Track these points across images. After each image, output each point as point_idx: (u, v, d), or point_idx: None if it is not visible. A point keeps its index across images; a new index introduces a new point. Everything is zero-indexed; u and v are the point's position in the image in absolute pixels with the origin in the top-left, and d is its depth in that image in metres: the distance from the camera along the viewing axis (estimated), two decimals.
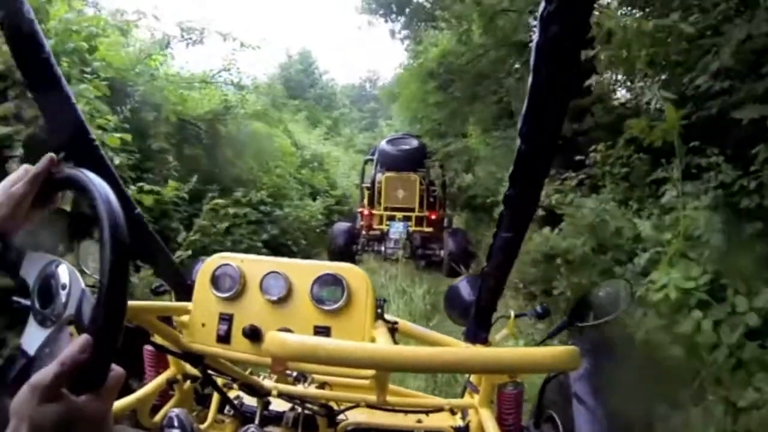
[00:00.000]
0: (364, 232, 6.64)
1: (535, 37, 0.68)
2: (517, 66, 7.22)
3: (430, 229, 6.39)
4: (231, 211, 4.95)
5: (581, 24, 0.68)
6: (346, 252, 6.10)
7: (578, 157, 5.11)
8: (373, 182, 7.01)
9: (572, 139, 6.07)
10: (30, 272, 0.63)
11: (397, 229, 6.12)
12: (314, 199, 9.51)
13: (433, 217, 6.47)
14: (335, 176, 12.99)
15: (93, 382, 0.50)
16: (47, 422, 0.48)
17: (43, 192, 0.61)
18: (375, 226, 6.55)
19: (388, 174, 6.62)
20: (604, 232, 3.81)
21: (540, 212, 4.84)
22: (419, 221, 6.43)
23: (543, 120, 0.74)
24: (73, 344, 0.49)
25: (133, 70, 4.72)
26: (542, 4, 0.63)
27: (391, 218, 6.36)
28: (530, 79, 0.70)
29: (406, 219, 6.33)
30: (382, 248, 6.16)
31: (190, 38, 6.03)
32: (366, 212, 6.71)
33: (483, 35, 7.39)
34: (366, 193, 7.10)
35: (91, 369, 0.49)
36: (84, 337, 0.50)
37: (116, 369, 0.52)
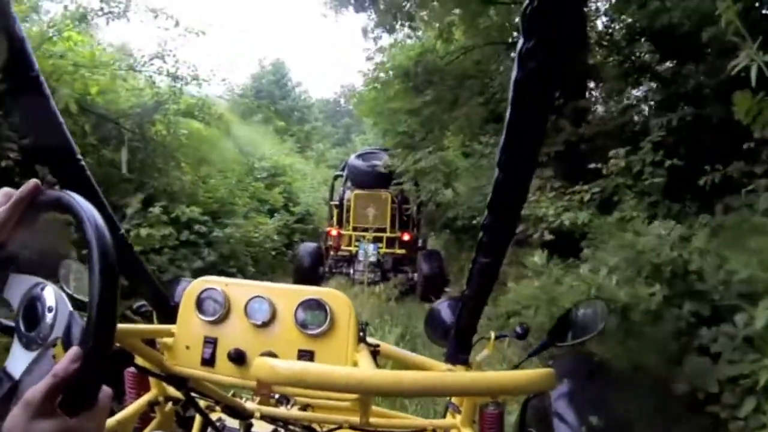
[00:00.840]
0: (332, 253, 6.86)
1: (513, 72, 0.78)
2: (506, 64, 7.34)
3: (402, 251, 6.60)
4: (144, 232, 4.58)
5: (559, 60, 0.80)
6: (312, 275, 6.23)
7: (588, 166, 5.00)
8: (341, 200, 7.19)
9: (575, 146, 5.93)
10: (14, 294, 0.69)
11: (366, 251, 6.26)
12: (272, 217, 9.45)
13: (406, 237, 6.65)
14: (299, 191, 12.71)
15: (85, 401, 0.55)
16: None
17: (28, 214, 0.67)
18: (343, 247, 6.76)
19: (358, 191, 6.81)
20: (676, 268, 2.92)
21: (537, 234, 4.73)
22: (391, 242, 6.63)
23: (521, 150, 0.87)
24: (64, 357, 0.54)
25: (38, 50, 4.37)
26: (520, 41, 0.74)
27: (361, 239, 6.50)
28: (508, 112, 0.82)
29: (377, 240, 6.50)
30: (351, 271, 6.33)
31: (111, 12, 5.57)
32: (334, 232, 6.89)
33: (466, 32, 7.51)
34: (335, 211, 7.24)
35: (83, 387, 0.54)
36: (74, 349, 0.54)
37: (105, 389, 0.57)
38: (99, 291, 0.54)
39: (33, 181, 0.67)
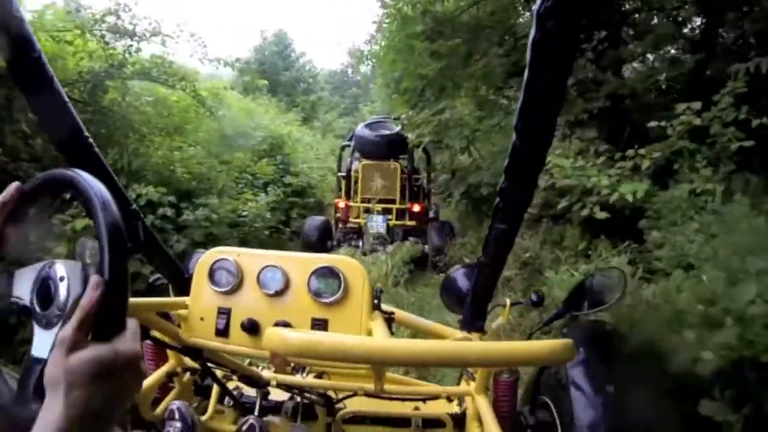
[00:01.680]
0: (340, 226, 7.42)
1: (531, 32, 0.84)
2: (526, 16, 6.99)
3: (412, 223, 7.07)
4: (80, 224, 4.15)
5: (577, 19, 0.86)
6: (319, 249, 6.69)
7: (644, 126, 4.48)
8: (348, 171, 7.66)
9: (620, 101, 5.54)
10: (24, 287, 0.76)
11: (375, 223, 6.92)
12: (267, 192, 8.76)
13: (417, 209, 7.13)
14: (300, 162, 12.38)
15: (115, 326, 0.61)
16: (84, 371, 0.57)
17: (17, 216, 0.74)
18: (352, 220, 7.28)
19: (366, 162, 7.33)
20: None
21: (585, 210, 4.38)
22: (400, 214, 7.12)
23: (539, 115, 0.94)
24: (87, 288, 0.60)
25: None
26: (538, 0, 0.79)
27: (369, 210, 7.10)
28: (525, 75, 0.89)
29: (386, 212, 7.07)
30: (360, 243, 6.91)
31: None
32: (342, 204, 7.42)
33: None
34: (342, 182, 7.71)
35: (110, 312, 0.61)
36: (94, 277, 0.60)
37: (130, 319, 0.65)
38: (107, 233, 0.62)
39: (14, 184, 0.73)
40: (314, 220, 7.62)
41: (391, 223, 7.07)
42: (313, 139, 17.73)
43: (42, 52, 0.97)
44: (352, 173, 7.62)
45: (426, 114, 7.21)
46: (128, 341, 0.63)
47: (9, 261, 0.79)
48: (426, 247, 6.70)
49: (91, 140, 1.13)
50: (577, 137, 5.27)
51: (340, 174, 8.08)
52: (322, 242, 7.14)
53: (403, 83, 8.88)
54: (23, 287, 0.77)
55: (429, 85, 8.00)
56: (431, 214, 7.50)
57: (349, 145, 8.46)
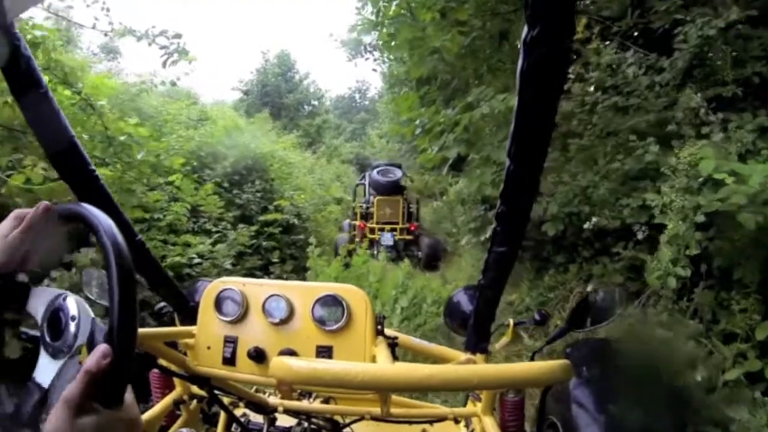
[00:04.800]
0: (357, 240, 10.10)
1: (519, 61, 0.87)
2: None
3: (410, 237, 10.31)
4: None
5: (565, 46, 0.88)
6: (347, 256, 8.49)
7: None
8: (367, 203, 10.96)
9: None
10: (37, 307, 0.78)
11: (386, 238, 10.11)
12: (251, 223, 7.70)
13: (412, 228, 10.38)
14: (288, 189, 10.18)
15: (119, 394, 0.62)
16: None
17: (43, 234, 0.76)
18: (368, 235, 10.28)
19: (379, 197, 10.66)
20: None
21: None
22: (402, 231, 10.35)
23: (530, 140, 0.96)
24: (93, 354, 0.60)
25: None
26: (524, 29, 0.81)
27: (382, 229, 10.24)
28: (516, 102, 0.91)
29: (393, 230, 10.26)
30: (374, 252, 9.39)
31: None
32: (362, 225, 10.50)
33: None
34: (359, 211, 10.96)
35: (115, 381, 0.61)
36: (102, 345, 0.61)
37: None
38: (118, 299, 0.62)
39: (43, 204, 0.75)
40: (342, 237, 10.30)
41: (397, 237, 10.18)
42: (316, 162, 17.07)
43: (41, 70, 1.01)
44: (369, 205, 10.83)
45: (447, 116, 5.23)
46: (129, 409, 0.64)
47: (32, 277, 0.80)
48: (419, 253, 9.83)
49: (97, 173, 1.17)
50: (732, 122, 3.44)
51: (359, 204, 11.14)
52: (348, 252, 8.68)
53: (415, 68, 6.41)
54: (36, 306, 0.79)
55: (449, 71, 6.20)
56: (420, 231, 10.64)
57: (362, 184, 11.94)
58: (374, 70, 14.24)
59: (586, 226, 4.46)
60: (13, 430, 0.68)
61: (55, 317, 0.75)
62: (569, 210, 4.82)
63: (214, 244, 6.27)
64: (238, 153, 8.82)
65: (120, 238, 0.66)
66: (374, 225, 10.62)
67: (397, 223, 10.58)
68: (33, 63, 0.99)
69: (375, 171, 11.62)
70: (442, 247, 10.22)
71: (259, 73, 27.81)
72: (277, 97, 26.34)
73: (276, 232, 7.85)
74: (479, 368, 1.10)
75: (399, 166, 11.94)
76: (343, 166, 22.17)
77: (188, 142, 7.57)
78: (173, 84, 6.27)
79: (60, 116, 1.05)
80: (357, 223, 10.87)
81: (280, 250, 8.19)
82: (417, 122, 5.88)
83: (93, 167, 1.15)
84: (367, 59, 13.30)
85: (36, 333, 0.78)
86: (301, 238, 8.85)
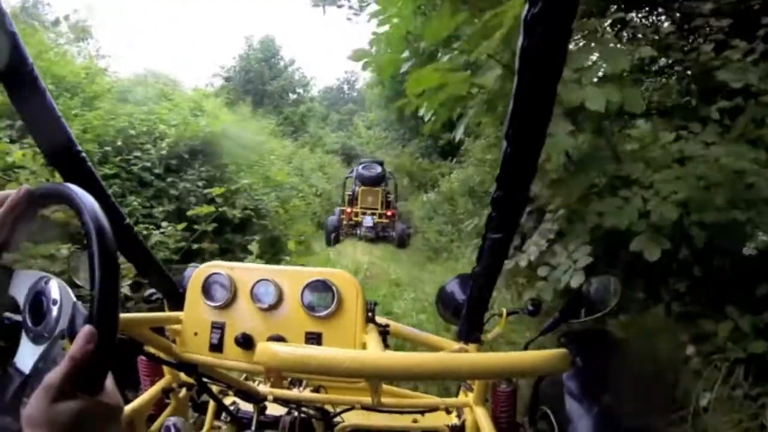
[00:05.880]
0: (344, 222, 12.51)
1: (519, 39, 0.84)
2: None
3: (387, 221, 12.43)
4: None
5: (567, 25, 0.85)
6: (335, 233, 11.94)
7: None
8: (353, 192, 13.24)
9: None
10: (20, 290, 0.76)
11: (368, 221, 12.22)
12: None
13: (389, 213, 12.56)
14: (245, 175, 7.90)
15: (101, 380, 0.60)
16: (65, 420, 0.56)
17: (25, 216, 0.75)
18: (353, 219, 12.55)
19: (363, 188, 12.94)
20: None
21: None
22: (381, 216, 12.48)
23: (529, 122, 0.94)
24: (78, 339, 0.59)
25: None
26: (525, 7, 0.79)
27: (364, 213, 12.38)
28: (515, 82, 0.89)
29: (373, 214, 12.40)
30: (357, 231, 12.24)
31: None
32: (348, 210, 12.73)
33: None
34: (346, 198, 13.40)
35: (98, 367, 0.60)
36: (87, 328, 0.59)
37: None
38: (99, 279, 0.60)
39: (24, 188, 0.75)
40: (332, 219, 12.28)
41: (376, 220, 12.32)
42: (296, 151, 16.79)
43: (34, 66, 0.97)
44: (355, 193, 13.10)
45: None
46: (109, 395, 0.62)
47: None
48: (393, 233, 12.04)
49: (83, 154, 1.12)
50: None
51: (347, 193, 13.47)
52: (336, 230, 12.04)
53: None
54: (19, 289, 0.77)
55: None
56: (396, 216, 12.76)
57: (350, 177, 13.99)
58: (348, 19, 13.59)
59: (747, 248, 2.56)
60: None
61: (37, 301, 0.74)
62: (700, 216, 2.75)
63: None
64: (181, 132, 6.88)
65: (103, 218, 0.64)
66: (358, 210, 12.87)
67: (377, 209, 12.78)
68: (18, 39, 0.95)
69: (360, 166, 13.92)
70: (407, 233, 12.41)
71: (242, 59, 27.21)
72: (260, 84, 25.79)
73: (209, 229, 5.67)
74: (474, 356, 1.07)
75: (381, 163, 14.09)
76: (328, 156, 21.97)
77: (117, 119, 6.22)
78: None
79: (46, 95, 1.02)
80: (345, 208, 13.21)
81: (230, 252, 6.34)
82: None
83: (79, 148, 1.11)
84: (340, 6, 13.47)
85: (18, 318, 0.77)
86: (254, 239, 6.53)
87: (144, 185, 5.91)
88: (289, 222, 9.44)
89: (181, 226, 5.31)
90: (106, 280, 0.61)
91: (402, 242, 11.98)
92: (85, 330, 0.59)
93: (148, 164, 6.11)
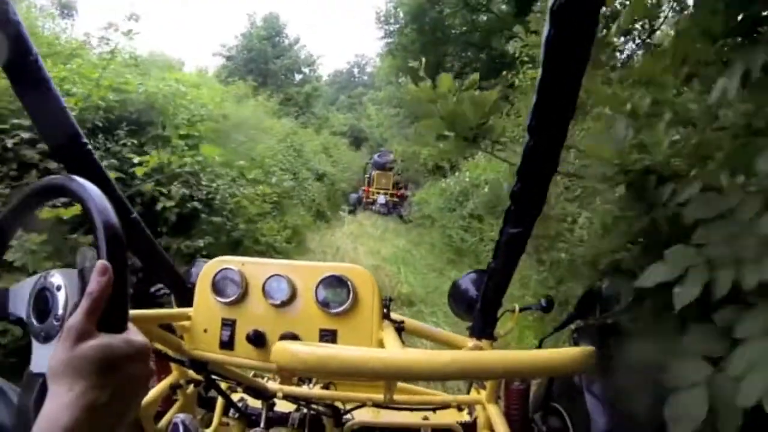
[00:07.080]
0: (364, 199, 15.69)
1: (545, 29, 0.83)
2: None
3: (397, 199, 15.27)
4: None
5: (594, 16, 0.84)
6: (356, 206, 15.48)
7: None
8: (371, 175, 16.28)
9: None
10: (20, 301, 0.74)
11: (381, 199, 15.14)
12: None
13: (399, 193, 15.41)
14: (197, 152, 5.73)
15: (123, 316, 0.59)
16: (93, 360, 0.53)
17: (26, 210, 0.73)
18: (370, 197, 15.58)
19: (378, 172, 15.86)
20: None
21: None
22: (392, 195, 15.35)
23: (552, 114, 0.92)
24: (93, 274, 0.57)
25: None
26: None
27: (378, 193, 15.35)
28: (539, 73, 0.87)
29: (386, 194, 15.26)
30: (373, 207, 15.23)
31: None
32: (367, 189, 15.84)
33: None
34: (365, 180, 16.54)
35: (118, 300, 0.58)
36: (100, 262, 0.57)
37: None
38: (105, 232, 0.60)
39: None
40: (354, 195, 16.03)
41: (388, 198, 15.16)
42: (295, 131, 15.81)
43: (39, 55, 0.94)
44: (371, 176, 16.10)
45: None
46: (136, 333, 0.60)
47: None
48: (403, 210, 14.49)
49: (89, 146, 1.09)
50: None
51: (366, 176, 16.70)
52: (358, 203, 15.73)
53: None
54: (19, 303, 0.75)
55: None
56: (405, 196, 15.33)
57: (369, 163, 17.36)
58: None
59: None
60: (20, 424, 0.64)
61: (41, 298, 0.71)
62: None
63: None
64: (90, 90, 4.94)
65: (110, 209, 0.62)
66: (374, 189, 16.01)
67: (388, 190, 15.82)
68: (23, 29, 0.93)
69: (377, 155, 17.27)
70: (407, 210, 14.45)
71: (245, 38, 26.53)
72: (263, 63, 25.08)
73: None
74: (497, 355, 1.02)
75: (392, 153, 16.12)
76: (335, 138, 21.74)
77: None
78: None
79: (51, 85, 0.99)
80: (365, 188, 16.54)
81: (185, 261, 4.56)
82: None
83: (85, 140, 1.08)
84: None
85: (22, 315, 0.75)
86: (208, 243, 5.15)
87: (24, 167, 4.03)
88: (258, 217, 7.12)
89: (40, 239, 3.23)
90: (114, 268, 0.59)
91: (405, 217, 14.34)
92: (98, 264, 0.57)
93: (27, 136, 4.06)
